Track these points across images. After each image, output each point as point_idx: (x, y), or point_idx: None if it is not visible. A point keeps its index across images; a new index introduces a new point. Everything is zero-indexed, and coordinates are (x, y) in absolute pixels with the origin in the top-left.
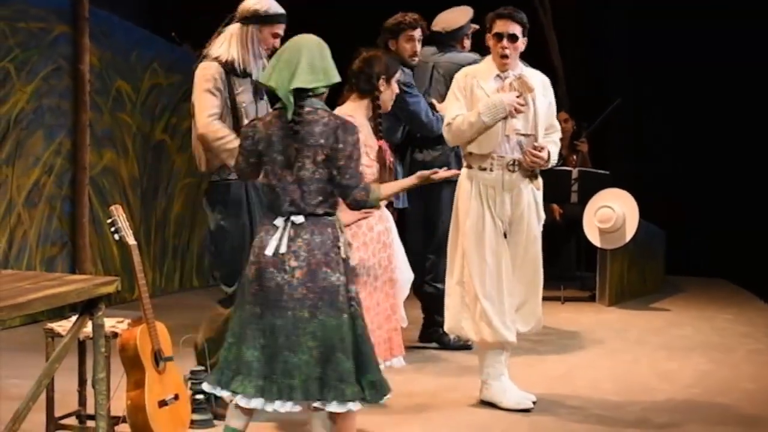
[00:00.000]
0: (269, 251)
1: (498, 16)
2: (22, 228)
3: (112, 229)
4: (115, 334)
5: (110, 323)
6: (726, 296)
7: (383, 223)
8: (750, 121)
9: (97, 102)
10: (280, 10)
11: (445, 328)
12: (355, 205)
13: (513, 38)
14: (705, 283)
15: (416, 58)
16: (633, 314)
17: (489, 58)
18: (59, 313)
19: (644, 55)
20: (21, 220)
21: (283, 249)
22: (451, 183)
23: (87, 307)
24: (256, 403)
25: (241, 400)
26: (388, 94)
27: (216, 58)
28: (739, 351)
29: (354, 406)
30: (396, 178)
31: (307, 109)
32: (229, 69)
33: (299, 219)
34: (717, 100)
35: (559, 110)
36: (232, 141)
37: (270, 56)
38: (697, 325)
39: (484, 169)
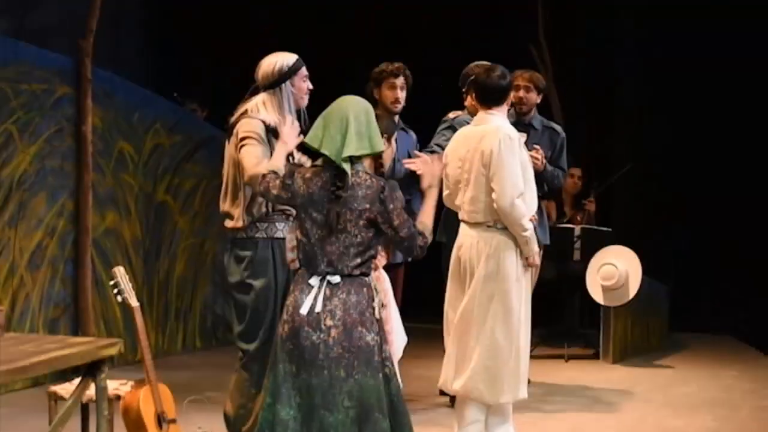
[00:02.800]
0: (304, 310)
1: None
2: (25, 290)
3: (115, 290)
4: (118, 397)
5: (113, 385)
6: (730, 353)
7: (381, 283)
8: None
9: (100, 163)
10: (295, 55)
11: (456, 387)
12: (421, 253)
13: None
14: (709, 340)
15: (398, 105)
16: (637, 372)
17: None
18: (62, 376)
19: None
20: (23, 283)
21: (318, 308)
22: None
23: (90, 370)
24: None
25: None
26: (389, 153)
27: (258, 118)
28: (744, 408)
29: None
30: None
31: (350, 173)
32: (270, 130)
33: (335, 279)
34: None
35: (572, 166)
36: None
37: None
38: (702, 382)
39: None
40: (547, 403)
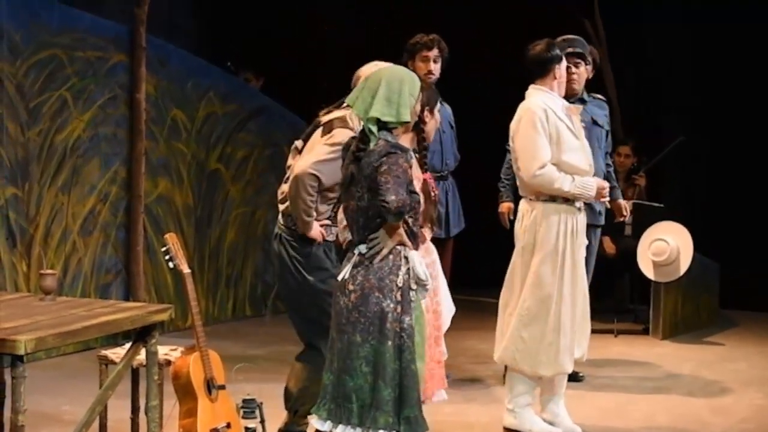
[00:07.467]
0: (340, 277)
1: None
2: (77, 255)
3: (167, 257)
4: (168, 362)
5: (163, 351)
6: None
7: (429, 255)
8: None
9: (153, 130)
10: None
11: (495, 357)
12: (399, 217)
13: None
14: (760, 318)
15: (431, 77)
16: (687, 348)
17: (550, 91)
18: (113, 341)
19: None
20: (76, 248)
21: (348, 275)
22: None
23: (141, 335)
24: (328, 426)
25: (315, 422)
26: (432, 124)
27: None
28: None
29: None
30: (438, 210)
31: (375, 134)
32: None
33: (363, 249)
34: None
35: (621, 144)
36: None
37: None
38: (752, 359)
39: (570, 203)
40: (596, 377)
